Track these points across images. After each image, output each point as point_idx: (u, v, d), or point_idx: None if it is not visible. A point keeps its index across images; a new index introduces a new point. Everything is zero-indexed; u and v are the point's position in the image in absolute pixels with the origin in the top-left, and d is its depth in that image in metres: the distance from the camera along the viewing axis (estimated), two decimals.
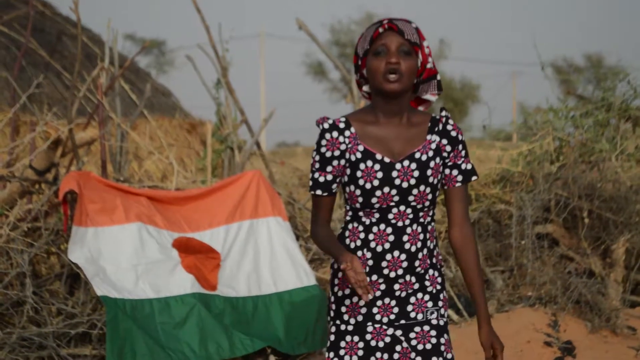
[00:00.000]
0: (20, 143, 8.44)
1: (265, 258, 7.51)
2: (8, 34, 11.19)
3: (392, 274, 3.86)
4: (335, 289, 3.93)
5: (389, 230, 3.83)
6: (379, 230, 3.84)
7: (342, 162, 3.83)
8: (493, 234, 8.93)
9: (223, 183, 7.82)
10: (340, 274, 3.89)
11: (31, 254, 7.44)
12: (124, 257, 6.98)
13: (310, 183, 3.91)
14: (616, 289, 8.13)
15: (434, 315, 3.92)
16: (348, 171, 3.82)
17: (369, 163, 3.79)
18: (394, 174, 3.79)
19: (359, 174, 3.79)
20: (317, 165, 3.86)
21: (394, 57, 3.74)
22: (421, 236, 3.86)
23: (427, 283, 3.90)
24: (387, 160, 3.80)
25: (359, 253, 3.86)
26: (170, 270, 7.07)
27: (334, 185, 3.87)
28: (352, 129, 3.83)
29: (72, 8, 8.07)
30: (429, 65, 3.86)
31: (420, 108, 4.01)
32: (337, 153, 3.82)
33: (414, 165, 3.80)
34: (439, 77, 3.95)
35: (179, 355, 6.73)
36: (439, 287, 3.94)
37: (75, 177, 7.16)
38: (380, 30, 3.78)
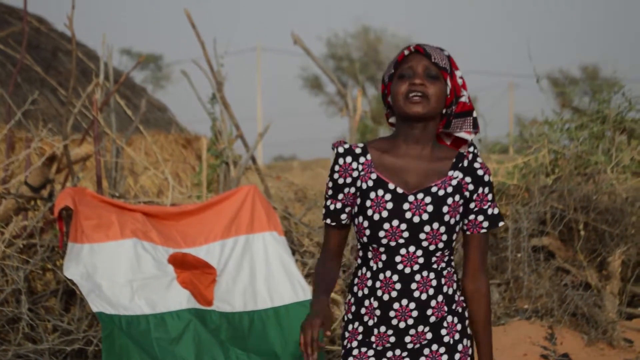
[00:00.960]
0: (16, 159, 8.44)
1: (261, 273, 7.50)
2: (3, 50, 11.20)
3: (402, 325, 3.56)
4: (355, 289, 3.64)
5: (395, 277, 3.53)
6: (385, 277, 3.54)
7: (353, 190, 3.57)
8: (489, 246, 8.93)
9: (218, 198, 7.82)
10: (360, 273, 3.62)
11: (27, 271, 7.43)
12: (120, 273, 6.97)
13: (323, 210, 3.68)
14: (612, 301, 8.12)
15: None
16: (358, 200, 3.56)
17: (380, 192, 3.52)
18: (406, 206, 3.50)
19: (368, 203, 3.52)
20: (329, 192, 3.64)
21: (419, 78, 3.50)
22: (434, 282, 3.54)
23: (443, 332, 3.58)
24: (399, 190, 3.51)
25: (367, 302, 3.59)
26: (166, 285, 7.06)
27: (344, 216, 3.62)
28: (368, 156, 3.57)
29: (67, 24, 8.08)
30: (463, 99, 3.59)
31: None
32: (349, 180, 3.57)
33: (428, 199, 3.50)
34: (475, 114, 3.66)
35: None
36: (457, 335, 3.61)
37: (71, 194, 7.15)
38: (406, 52, 3.58)
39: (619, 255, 8.21)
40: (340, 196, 3.60)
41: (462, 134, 3.65)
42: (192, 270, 7.28)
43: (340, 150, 3.60)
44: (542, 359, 7.49)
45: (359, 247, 3.62)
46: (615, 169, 8.83)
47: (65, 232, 7.27)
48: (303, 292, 7.50)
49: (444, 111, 3.57)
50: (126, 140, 9.28)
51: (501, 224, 3.60)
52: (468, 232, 3.59)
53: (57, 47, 12.28)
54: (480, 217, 3.57)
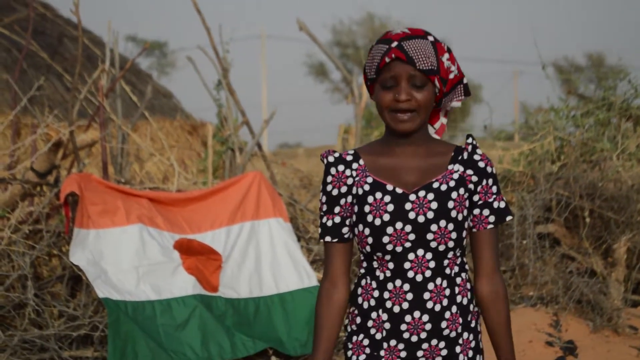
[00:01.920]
0: (22, 145, 8.45)
1: (267, 259, 7.52)
2: (9, 37, 11.19)
3: (414, 338, 3.25)
4: (359, 300, 3.32)
5: (407, 287, 3.22)
6: (394, 287, 3.23)
7: (350, 198, 3.26)
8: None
9: (224, 184, 7.83)
10: (363, 282, 3.30)
11: (32, 257, 7.45)
12: (126, 259, 6.99)
13: (319, 230, 3.34)
14: (618, 288, 8.12)
15: None
16: (356, 208, 3.25)
17: (378, 195, 3.21)
18: (408, 206, 3.20)
19: (367, 208, 3.21)
20: (324, 208, 3.31)
21: (404, 93, 3.16)
22: (447, 292, 3.24)
23: (457, 349, 3.29)
24: (399, 191, 3.21)
25: (374, 314, 3.28)
26: (172, 271, 7.08)
27: (345, 229, 3.29)
28: (361, 161, 3.27)
29: (73, 10, 8.07)
30: (451, 76, 3.28)
31: (440, 124, 3.45)
32: (344, 189, 3.26)
33: (431, 196, 3.20)
34: (465, 81, 3.37)
35: (180, 357, 6.73)
36: (471, 353, 3.33)
37: (77, 179, 7.17)
38: (387, 59, 3.18)
39: (624, 243, 8.20)
40: (337, 209, 3.28)
41: (454, 104, 3.41)
42: (198, 257, 7.30)
43: (331, 159, 3.29)
44: (547, 345, 7.49)
45: (362, 258, 3.31)
46: (621, 156, 8.82)
47: (71, 218, 7.28)
48: (308, 278, 7.51)
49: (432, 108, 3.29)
50: (132, 127, 9.29)
51: (509, 218, 3.30)
52: (475, 230, 3.28)
53: (62, 33, 12.26)
54: (486, 211, 3.27)
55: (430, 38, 3.22)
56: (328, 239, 3.30)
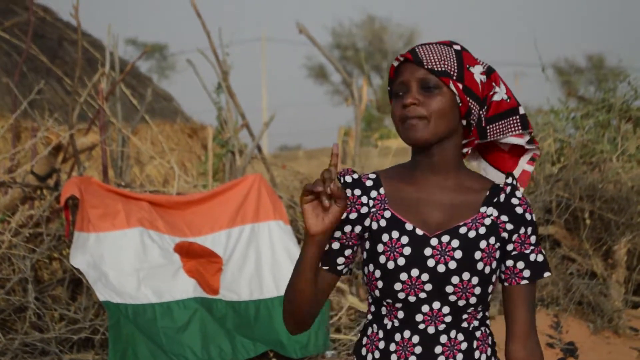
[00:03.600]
0: (22, 149, 8.46)
1: (267, 262, 7.53)
2: (9, 40, 11.21)
3: None
4: (363, 351, 2.88)
5: (416, 339, 2.77)
6: (402, 338, 2.79)
7: (358, 229, 2.80)
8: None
9: (224, 187, 7.84)
10: (369, 332, 2.86)
11: (33, 260, 7.45)
12: (126, 262, 7.00)
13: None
14: (618, 289, 8.13)
15: None
16: (367, 244, 2.79)
17: (395, 234, 2.75)
18: (427, 251, 2.74)
19: (380, 248, 2.75)
20: None
21: (409, 97, 2.72)
22: (463, 346, 2.79)
23: None
24: (419, 232, 2.75)
25: None
26: (172, 274, 7.09)
27: (341, 260, 2.81)
28: (382, 190, 2.81)
29: (73, 13, 8.09)
30: (496, 97, 2.82)
31: (520, 167, 2.92)
32: (353, 216, 2.79)
33: (455, 243, 2.74)
34: (522, 111, 2.85)
35: None
36: None
37: (77, 183, 7.17)
38: (395, 64, 2.80)
39: (624, 244, 8.21)
40: (338, 234, 2.80)
41: (512, 139, 2.85)
42: (198, 259, 7.31)
43: (348, 179, 2.84)
44: (548, 347, 7.50)
45: (370, 301, 2.87)
46: (621, 158, 8.82)
47: (72, 221, 7.28)
48: None
49: (464, 122, 2.79)
50: (132, 130, 9.30)
51: (547, 274, 2.81)
52: (507, 284, 2.81)
53: (62, 36, 12.29)
54: (521, 264, 2.79)
55: (456, 47, 2.81)
56: (320, 263, 2.79)
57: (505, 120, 2.83)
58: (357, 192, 2.81)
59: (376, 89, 47.32)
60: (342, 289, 8.25)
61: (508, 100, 2.82)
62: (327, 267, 2.80)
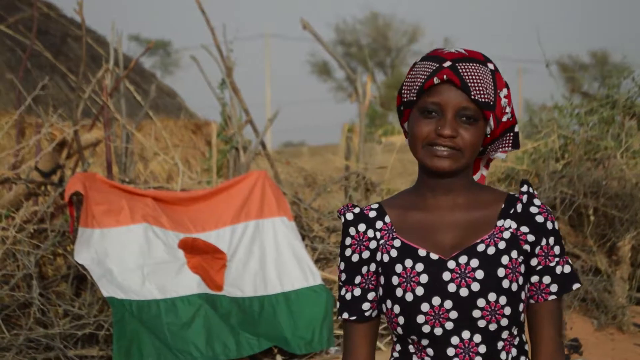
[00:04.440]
0: (26, 145, 8.47)
1: (271, 258, 7.53)
2: (13, 37, 11.21)
3: None
4: None
5: None
6: None
7: (374, 267, 2.58)
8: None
9: (228, 183, 7.84)
10: None
11: (37, 256, 7.46)
12: (130, 258, 7.00)
13: (337, 304, 2.66)
14: (622, 286, 8.13)
15: None
16: (382, 279, 2.56)
17: (408, 263, 2.53)
18: (446, 276, 2.51)
19: (394, 280, 2.52)
20: (342, 277, 2.62)
21: (449, 128, 2.48)
22: None
23: None
24: (434, 256, 2.53)
25: None
26: (177, 270, 7.09)
27: (366, 305, 2.58)
28: (387, 219, 2.59)
29: (77, 10, 8.09)
30: (504, 118, 2.60)
31: (480, 175, 2.77)
32: (365, 255, 2.57)
33: (475, 262, 2.51)
34: (517, 129, 2.68)
35: (185, 356, 6.75)
36: None
37: (81, 179, 7.18)
38: (436, 80, 2.50)
39: (628, 240, 8.21)
40: (358, 279, 2.58)
41: (498, 155, 2.70)
42: (203, 255, 7.31)
43: (349, 217, 2.61)
44: None
45: (394, 340, 2.63)
46: (625, 154, 8.82)
47: (76, 217, 7.29)
48: (313, 277, 7.51)
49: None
50: (136, 126, 9.30)
51: (576, 286, 2.59)
52: (532, 301, 2.57)
53: (66, 33, 12.29)
54: (547, 279, 2.56)
55: (491, 66, 2.56)
56: (346, 315, 2.60)
57: (502, 138, 2.65)
58: (362, 227, 2.59)
59: (380, 85, 47.29)
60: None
61: (511, 119, 2.63)
62: (354, 318, 2.58)
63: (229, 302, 7.23)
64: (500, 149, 2.66)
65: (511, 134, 2.65)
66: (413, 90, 2.54)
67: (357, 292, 2.57)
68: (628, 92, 9.15)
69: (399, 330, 2.53)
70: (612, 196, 8.53)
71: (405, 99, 2.57)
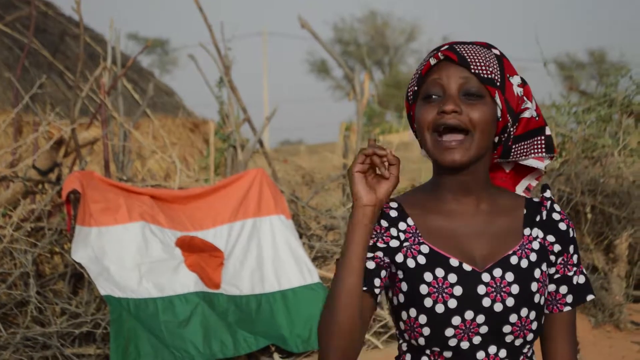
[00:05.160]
0: (23, 143, 8.47)
1: (269, 256, 7.53)
2: (11, 35, 11.20)
3: None
4: None
5: None
6: None
7: (387, 260, 2.39)
8: None
9: (226, 181, 7.84)
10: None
11: (35, 254, 7.46)
12: (128, 257, 7.00)
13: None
14: (619, 284, 8.13)
15: None
16: (404, 286, 2.38)
17: (439, 272, 2.36)
18: (481, 289, 2.36)
19: (423, 289, 2.35)
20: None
21: (451, 102, 2.32)
22: None
23: None
24: (467, 268, 2.37)
25: None
26: (174, 269, 7.09)
27: (377, 282, 2.36)
28: (410, 221, 2.41)
29: (75, 8, 8.09)
30: (527, 114, 2.44)
31: (522, 186, 2.59)
32: (382, 245, 2.39)
33: (510, 276, 2.38)
34: (548, 132, 2.49)
35: (183, 354, 6.75)
36: None
37: (78, 177, 7.18)
38: (432, 61, 2.39)
39: (625, 238, 8.22)
40: (372, 254, 2.37)
41: (532, 162, 2.49)
42: (200, 253, 7.31)
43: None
44: None
45: (404, 349, 2.46)
46: (622, 152, 8.82)
47: (73, 216, 7.29)
48: (310, 275, 7.52)
49: (495, 139, 2.42)
50: (133, 124, 9.30)
51: (590, 297, 2.49)
52: (547, 311, 2.46)
53: (64, 31, 12.28)
54: (564, 289, 2.45)
55: (495, 51, 2.44)
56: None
57: (531, 141, 2.47)
58: (384, 223, 2.40)
59: (377, 83, 47.32)
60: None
61: (537, 119, 2.46)
62: (365, 288, 2.34)
63: (226, 300, 7.23)
64: (532, 154, 2.49)
65: (542, 137, 2.48)
66: (414, 81, 2.43)
67: (371, 265, 2.36)
68: (625, 90, 9.15)
69: (421, 341, 2.37)
70: (609, 194, 8.54)
71: (409, 95, 2.45)
